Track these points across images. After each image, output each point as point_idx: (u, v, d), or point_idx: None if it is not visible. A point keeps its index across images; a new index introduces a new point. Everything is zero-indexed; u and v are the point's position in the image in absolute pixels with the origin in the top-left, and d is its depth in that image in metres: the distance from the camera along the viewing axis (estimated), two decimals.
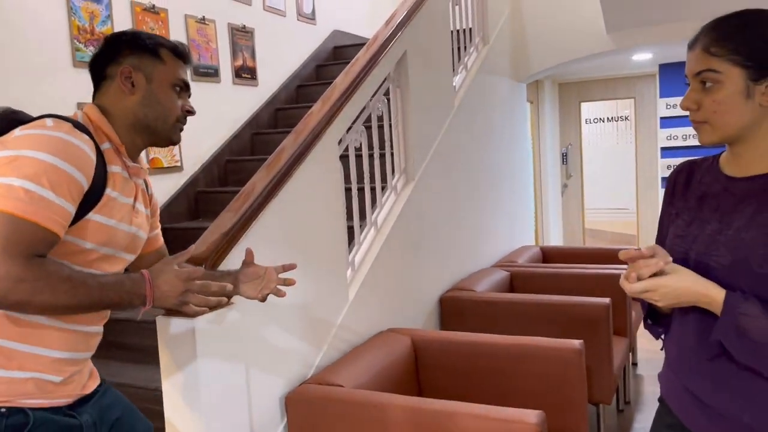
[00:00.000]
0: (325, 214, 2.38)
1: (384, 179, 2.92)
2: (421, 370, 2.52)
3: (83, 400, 1.32)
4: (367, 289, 2.60)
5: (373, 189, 2.80)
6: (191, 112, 1.43)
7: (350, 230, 2.63)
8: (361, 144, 2.67)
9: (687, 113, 1.17)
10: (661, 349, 1.32)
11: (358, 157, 2.70)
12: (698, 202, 1.22)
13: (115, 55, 1.35)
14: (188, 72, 1.46)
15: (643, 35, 4.34)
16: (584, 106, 7.24)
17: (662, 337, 1.31)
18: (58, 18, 2.88)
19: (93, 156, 1.22)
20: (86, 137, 1.22)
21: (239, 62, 3.97)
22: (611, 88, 6.96)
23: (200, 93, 3.60)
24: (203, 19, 3.68)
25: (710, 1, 3.75)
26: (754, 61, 1.08)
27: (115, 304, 1.21)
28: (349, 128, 2.57)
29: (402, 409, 1.86)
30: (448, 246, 3.42)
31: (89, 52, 2.99)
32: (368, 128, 2.76)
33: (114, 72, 1.34)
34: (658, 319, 1.32)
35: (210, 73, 3.72)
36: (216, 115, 3.79)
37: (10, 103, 2.66)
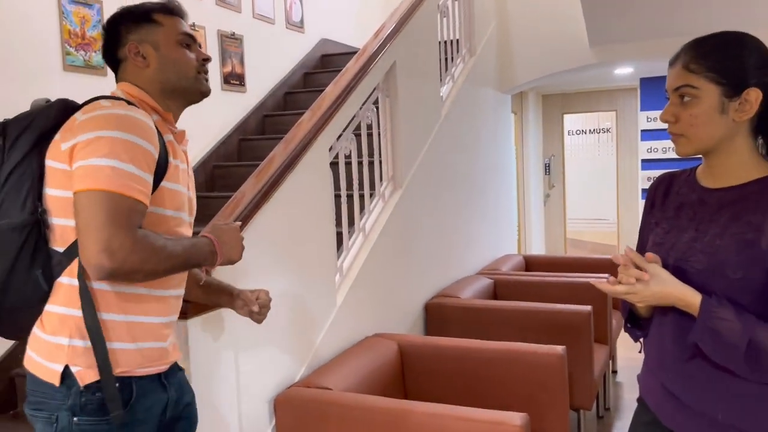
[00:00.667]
0: (314, 220, 2.42)
1: (372, 186, 2.96)
2: (407, 375, 2.56)
3: (171, 372, 1.39)
4: (355, 294, 2.63)
5: (361, 196, 2.84)
6: (207, 59, 1.43)
7: (339, 236, 2.66)
8: (350, 151, 2.71)
9: (666, 126, 1.24)
10: (640, 351, 1.38)
11: (348, 164, 2.75)
12: (676, 211, 1.29)
13: (117, 38, 1.38)
14: (188, 22, 1.47)
15: (624, 50, 4.45)
16: (567, 117, 7.36)
17: (641, 339, 1.37)
18: (50, 22, 2.89)
19: (154, 127, 1.27)
20: (142, 111, 1.28)
21: (228, 68, 4.00)
22: (593, 100, 7.10)
23: None
24: (193, 25, 3.70)
25: (689, 19, 3.88)
26: (728, 80, 1.15)
27: (196, 264, 1.34)
28: (339, 136, 2.62)
29: (389, 412, 1.89)
30: (434, 253, 3.47)
31: (79, 56, 3.01)
32: (357, 136, 2.81)
33: (123, 54, 1.38)
34: (637, 322, 1.37)
35: None
36: (204, 120, 3.81)
37: None
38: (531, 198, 6.62)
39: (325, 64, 4.92)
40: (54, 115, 1.27)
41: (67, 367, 1.23)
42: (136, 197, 1.19)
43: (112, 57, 1.40)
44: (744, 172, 1.20)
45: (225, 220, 1.97)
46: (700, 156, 1.25)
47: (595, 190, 7.98)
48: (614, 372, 4.20)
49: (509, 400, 2.37)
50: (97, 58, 3.10)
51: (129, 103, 1.29)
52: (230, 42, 4.02)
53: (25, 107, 2.51)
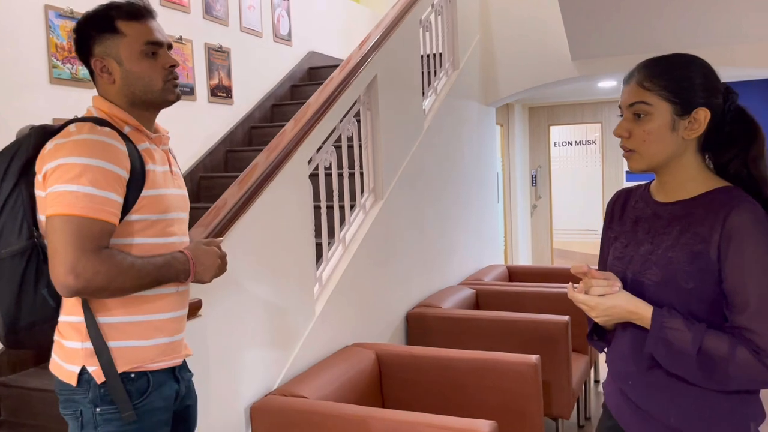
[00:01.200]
0: (293, 230, 2.47)
1: (353, 198, 3.01)
2: (384, 383, 2.60)
3: (183, 368, 1.50)
4: (334, 304, 2.68)
5: (342, 207, 2.89)
6: (174, 66, 1.43)
7: (319, 247, 2.71)
8: (330, 164, 2.77)
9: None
10: (606, 362, 1.43)
11: (328, 175, 2.80)
12: (633, 225, 1.35)
13: (86, 48, 1.41)
14: (155, 23, 1.44)
15: (606, 64, 4.53)
16: (553, 129, 7.45)
17: (605, 350, 1.43)
18: (37, 35, 2.94)
19: (120, 144, 1.33)
20: (108, 130, 1.33)
21: (215, 81, 4.05)
22: (579, 112, 7.19)
23: (175, 110, 3.67)
24: (180, 38, 3.76)
25: (665, 35, 3.97)
26: (680, 99, 1.21)
27: (167, 280, 1.40)
28: (319, 148, 2.67)
29: (363, 420, 1.93)
30: (416, 264, 3.52)
31: (66, 69, 3.06)
32: (338, 148, 2.86)
33: (92, 66, 1.42)
34: (602, 335, 1.44)
35: (185, 92, 3.80)
36: (191, 132, 3.86)
37: None
38: (518, 209, 6.69)
39: (312, 76, 4.99)
40: (34, 144, 1.35)
41: (83, 368, 1.35)
42: (102, 218, 1.28)
43: (86, 63, 1.44)
44: (693, 186, 1.26)
45: (206, 229, 2.02)
46: (651, 172, 1.30)
47: (581, 201, 8.06)
48: (596, 382, 4.24)
49: (485, 408, 2.41)
50: (83, 71, 3.14)
51: (99, 121, 1.35)
52: (217, 55, 4.07)
53: (12, 119, 2.59)
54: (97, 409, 1.35)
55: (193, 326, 1.91)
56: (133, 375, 1.37)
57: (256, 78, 4.47)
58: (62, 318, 1.39)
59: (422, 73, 3.70)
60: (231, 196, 2.18)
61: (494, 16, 4.84)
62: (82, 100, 3.12)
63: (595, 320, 1.27)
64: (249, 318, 2.20)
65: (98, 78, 1.42)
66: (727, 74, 5.15)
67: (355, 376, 2.41)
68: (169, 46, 1.45)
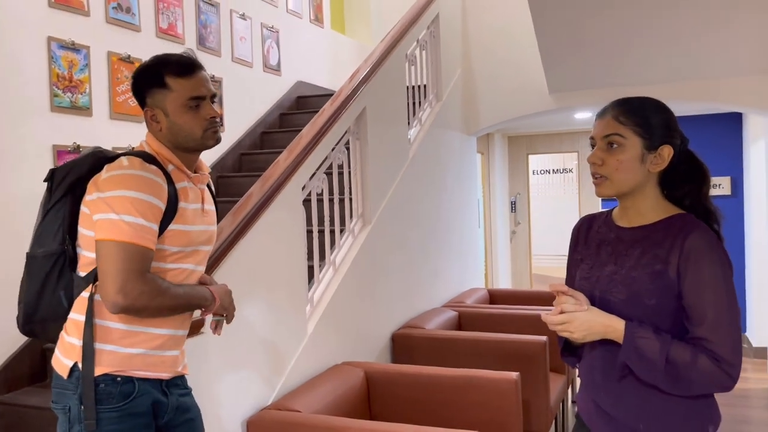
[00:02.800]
0: (287, 253, 2.60)
1: (343, 222, 3.16)
2: (372, 400, 2.72)
3: (175, 385, 1.61)
4: (325, 324, 2.80)
5: (332, 231, 3.03)
6: (214, 118, 1.57)
7: (310, 269, 2.84)
8: (322, 190, 2.91)
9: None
10: (579, 375, 1.58)
11: (320, 200, 2.94)
12: (597, 248, 1.50)
13: (142, 97, 1.59)
14: (201, 76, 1.57)
15: (581, 97, 4.77)
16: (532, 158, 7.69)
17: (577, 365, 1.57)
18: (39, 65, 3.07)
19: (163, 182, 1.50)
20: (154, 168, 1.50)
21: None
22: (556, 142, 7.45)
23: None
24: (212, 77, 3.89)
25: (637, 71, 4.21)
26: (649, 135, 1.38)
27: (197, 304, 1.59)
28: (312, 175, 2.82)
29: (354, 431, 2.05)
30: (401, 286, 3.66)
31: (66, 97, 3.18)
32: (329, 175, 3.01)
33: (145, 114, 1.59)
34: (573, 351, 1.58)
35: None
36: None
37: None
38: (498, 234, 6.87)
39: (301, 105, 5.15)
40: (87, 165, 1.53)
41: (76, 364, 1.48)
42: (146, 245, 1.45)
43: (140, 107, 1.61)
44: (652, 213, 1.42)
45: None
46: (616, 198, 1.47)
47: (559, 227, 8.29)
48: (574, 402, 4.38)
49: (468, 423, 2.53)
50: (83, 99, 3.27)
51: (147, 158, 1.52)
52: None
53: (15, 145, 2.74)
54: (82, 407, 1.47)
55: (195, 343, 2.02)
56: (119, 378, 1.48)
57: (247, 106, 4.62)
58: (70, 315, 1.53)
59: (408, 104, 3.89)
60: (227, 224, 2.31)
61: (475, 51, 5.08)
62: (80, 127, 3.24)
63: (572, 338, 1.38)
64: (246, 336, 2.32)
65: (149, 124, 1.59)
66: (694, 108, 5.42)
67: (345, 392, 2.52)
68: (213, 97, 1.60)
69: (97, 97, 3.36)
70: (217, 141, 1.61)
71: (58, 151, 3.08)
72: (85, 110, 3.27)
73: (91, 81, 3.32)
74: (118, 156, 1.53)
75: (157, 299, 1.45)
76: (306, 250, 2.73)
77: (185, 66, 1.56)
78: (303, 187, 2.74)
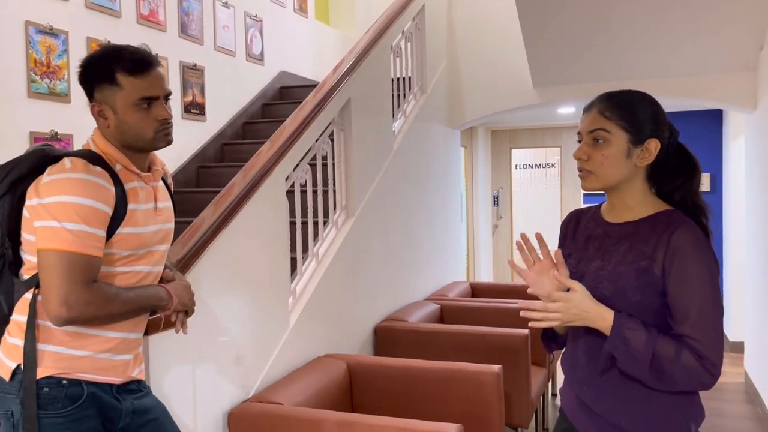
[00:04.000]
0: (270, 245, 2.57)
1: (326, 214, 3.13)
2: (355, 392, 2.71)
3: (129, 390, 1.54)
4: (307, 316, 2.78)
5: (315, 223, 3.01)
6: (166, 119, 1.50)
7: (293, 261, 2.82)
8: (306, 181, 2.89)
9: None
10: (551, 362, 1.58)
11: (303, 192, 2.92)
12: (584, 243, 1.50)
13: (89, 90, 1.51)
14: (155, 74, 1.49)
15: (565, 91, 4.79)
16: (515, 152, 7.72)
17: (553, 353, 1.58)
18: (16, 50, 2.99)
19: (109, 185, 1.43)
20: (99, 170, 1.43)
21: (189, 98, 4.14)
22: (539, 137, 7.48)
23: None
24: (195, 65, 3.84)
25: (622, 66, 4.23)
26: (635, 129, 1.37)
27: (149, 307, 1.53)
28: (296, 166, 2.79)
29: (336, 424, 2.04)
30: (384, 279, 3.65)
31: (44, 83, 3.11)
32: (313, 166, 2.99)
33: (91, 109, 1.52)
34: (554, 336, 1.58)
35: None
36: (163, 152, 3.92)
37: None
38: (480, 228, 6.89)
39: (284, 95, 5.11)
40: (28, 165, 1.46)
41: (19, 366, 1.42)
42: (90, 253, 1.39)
43: (88, 98, 1.53)
44: (639, 209, 1.42)
45: (184, 247, 2.10)
46: (603, 193, 1.46)
47: (541, 221, 8.35)
48: (554, 395, 4.42)
49: (450, 416, 2.53)
50: (61, 86, 3.20)
51: (93, 158, 1.45)
52: (191, 73, 4.16)
53: None
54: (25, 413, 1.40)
55: (173, 334, 1.99)
56: (65, 381, 1.42)
57: (229, 96, 4.57)
58: (13, 317, 1.47)
59: (392, 96, 3.87)
60: (208, 215, 2.27)
61: (461, 44, 5.07)
62: (58, 114, 3.17)
63: (557, 322, 1.34)
64: (227, 327, 2.29)
65: (96, 119, 1.52)
66: (674, 104, 5.48)
67: (327, 384, 2.51)
68: (167, 96, 1.52)
69: (76, 83, 3.26)
70: (168, 143, 1.54)
71: (36, 138, 3.01)
72: (63, 97, 3.21)
73: (69, 67, 3.25)
74: (62, 156, 1.46)
75: (105, 308, 1.40)
76: (289, 242, 2.70)
77: (139, 63, 1.47)
78: (286, 178, 2.71)
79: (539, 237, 1.48)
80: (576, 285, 1.34)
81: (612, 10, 3.51)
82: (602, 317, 1.32)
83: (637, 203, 1.42)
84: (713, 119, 6.15)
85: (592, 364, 1.41)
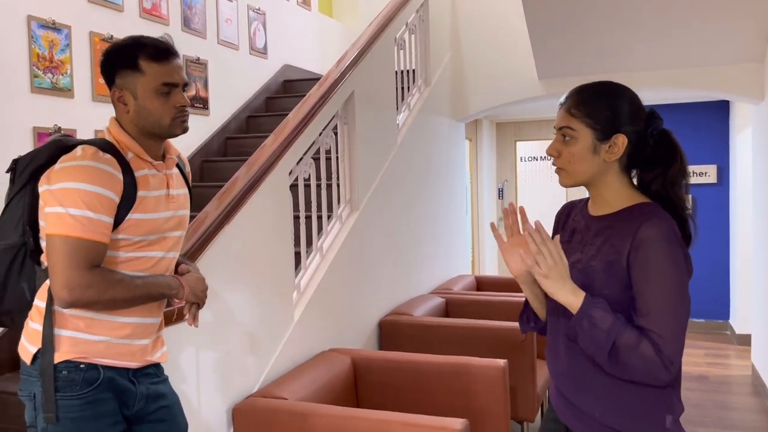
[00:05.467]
0: (274, 239, 2.56)
1: (330, 208, 3.12)
2: (359, 387, 2.70)
3: (146, 374, 1.57)
4: (312, 311, 2.77)
5: (319, 217, 3.00)
6: (184, 107, 1.54)
7: (297, 255, 2.81)
8: (309, 175, 2.87)
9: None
10: (523, 341, 1.57)
11: (307, 186, 2.90)
12: (570, 236, 1.49)
13: (111, 76, 1.54)
14: (176, 63, 1.53)
15: (571, 83, 4.70)
16: (520, 145, 7.68)
17: (526, 334, 1.57)
18: (19, 45, 2.98)
19: (116, 172, 1.46)
20: (108, 157, 1.46)
21: (192, 92, 4.12)
22: (545, 129, 7.43)
23: None
24: (197, 59, 3.82)
25: (626, 56, 4.19)
26: (601, 126, 1.35)
27: (161, 293, 1.54)
28: (300, 160, 2.78)
29: (341, 419, 2.04)
30: (389, 273, 3.64)
31: (47, 78, 3.10)
32: (317, 160, 2.97)
33: (112, 94, 1.55)
34: (529, 317, 1.58)
35: None
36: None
37: None
38: (485, 221, 6.87)
39: (287, 89, 5.09)
40: (46, 155, 1.49)
41: (39, 350, 1.46)
42: (94, 238, 1.41)
43: (108, 86, 1.56)
44: (616, 201, 1.40)
45: (188, 241, 2.10)
46: (578, 187, 1.45)
47: (546, 214, 8.30)
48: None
49: (455, 410, 2.53)
50: (64, 80, 3.19)
51: (105, 146, 1.48)
52: (195, 66, 4.15)
53: None
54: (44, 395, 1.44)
55: (178, 330, 1.99)
56: (82, 365, 1.46)
57: (232, 90, 4.55)
58: (35, 302, 1.52)
59: (396, 88, 3.84)
60: (212, 209, 2.27)
61: (465, 36, 5.03)
62: (61, 109, 3.16)
63: (536, 271, 1.31)
64: (231, 323, 2.29)
65: (115, 105, 1.55)
66: (680, 96, 5.45)
67: (332, 379, 2.51)
68: (185, 86, 1.56)
69: (79, 78, 3.28)
70: (185, 130, 1.57)
71: (39, 134, 3.01)
72: (66, 92, 3.20)
73: (72, 62, 3.24)
74: (77, 145, 1.49)
75: (107, 292, 1.42)
76: (293, 236, 2.69)
77: (161, 51, 1.52)
78: (290, 172, 2.70)
79: (522, 211, 1.47)
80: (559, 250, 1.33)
81: (618, 2, 3.47)
82: (575, 293, 1.31)
83: (614, 197, 1.40)
84: (719, 110, 6.10)
85: (569, 357, 1.41)
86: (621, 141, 1.36)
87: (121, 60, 1.52)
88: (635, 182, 1.44)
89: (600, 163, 1.37)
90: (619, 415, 1.35)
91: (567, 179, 1.40)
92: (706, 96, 5.36)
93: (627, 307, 1.33)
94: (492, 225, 1.54)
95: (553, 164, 1.42)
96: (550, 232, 1.46)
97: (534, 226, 1.36)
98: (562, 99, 1.43)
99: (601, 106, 1.36)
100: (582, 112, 1.36)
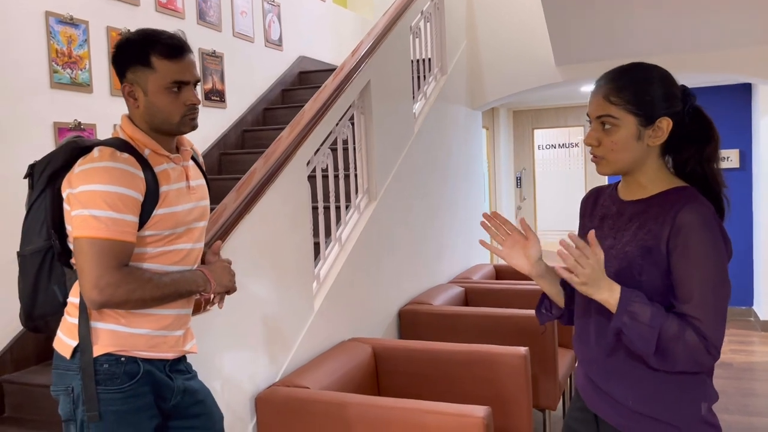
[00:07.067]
0: (293, 230, 2.57)
1: (348, 198, 3.12)
2: (380, 375, 2.71)
3: (179, 371, 1.59)
4: (331, 301, 2.78)
5: (338, 207, 3.00)
6: (194, 104, 1.53)
7: (316, 246, 2.81)
8: (327, 165, 2.87)
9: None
10: (542, 333, 1.56)
11: (325, 177, 2.90)
12: (600, 222, 1.47)
13: (122, 70, 1.53)
14: (188, 60, 1.52)
15: (588, 69, 4.69)
16: (537, 132, 7.61)
17: (545, 325, 1.55)
18: (38, 41, 3.01)
19: (137, 170, 1.46)
20: (126, 156, 1.46)
21: (209, 85, 4.14)
22: (562, 116, 7.36)
23: None
24: (213, 53, 3.83)
25: (645, 41, 4.13)
26: (644, 111, 1.31)
27: (189, 290, 1.54)
28: (317, 150, 2.78)
29: (363, 407, 2.04)
30: (408, 262, 3.64)
31: (66, 74, 3.13)
32: (334, 150, 2.97)
33: (122, 89, 1.54)
34: (550, 309, 1.57)
35: None
36: (187, 136, 3.93)
37: None
38: (503, 210, 6.83)
39: (303, 80, 5.09)
40: (63, 157, 1.50)
41: (79, 344, 1.46)
42: (121, 238, 1.42)
43: (119, 79, 1.55)
44: (652, 186, 1.37)
45: (208, 234, 2.11)
46: (619, 175, 1.41)
47: (564, 202, 8.24)
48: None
49: (477, 398, 2.52)
50: (83, 76, 3.22)
51: (121, 145, 1.48)
52: (211, 60, 4.16)
53: (15, 123, 2.71)
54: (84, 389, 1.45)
55: (202, 320, 2.00)
56: (123, 358, 1.47)
57: (248, 82, 4.56)
58: (69, 299, 1.52)
59: (412, 77, 3.82)
60: (230, 201, 2.27)
61: (480, 23, 4.99)
62: (80, 104, 3.19)
63: (582, 279, 1.26)
64: (253, 314, 2.30)
65: (126, 99, 1.54)
66: (702, 80, 5.36)
67: (353, 368, 2.51)
68: (196, 83, 1.55)
69: (97, 73, 3.31)
70: (193, 128, 1.56)
71: (59, 129, 3.04)
72: (85, 87, 3.23)
73: (90, 57, 3.27)
74: (93, 146, 1.48)
75: (137, 292, 1.42)
76: (311, 227, 2.70)
77: (174, 48, 1.50)
78: (308, 163, 2.70)
79: (495, 215, 1.47)
80: (599, 251, 1.27)
81: None
82: (610, 289, 1.27)
83: (650, 181, 1.37)
84: (742, 94, 5.99)
85: (600, 343, 1.39)
86: (666, 124, 1.32)
87: (133, 55, 1.50)
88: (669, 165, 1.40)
89: (643, 149, 1.34)
90: (654, 403, 1.33)
91: (607, 168, 1.36)
92: (727, 79, 5.26)
93: (665, 292, 1.30)
94: (482, 242, 1.56)
95: (592, 153, 1.37)
96: (571, 221, 1.44)
97: (519, 224, 1.40)
98: (595, 84, 1.37)
99: (642, 91, 1.31)
100: (622, 99, 1.31)
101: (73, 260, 1.50)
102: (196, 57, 3.94)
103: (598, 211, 1.49)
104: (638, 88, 1.32)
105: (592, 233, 1.26)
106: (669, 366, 1.28)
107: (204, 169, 1.75)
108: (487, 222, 1.48)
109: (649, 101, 1.31)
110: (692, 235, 1.26)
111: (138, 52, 1.50)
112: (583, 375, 1.47)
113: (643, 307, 1.26)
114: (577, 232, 1.59)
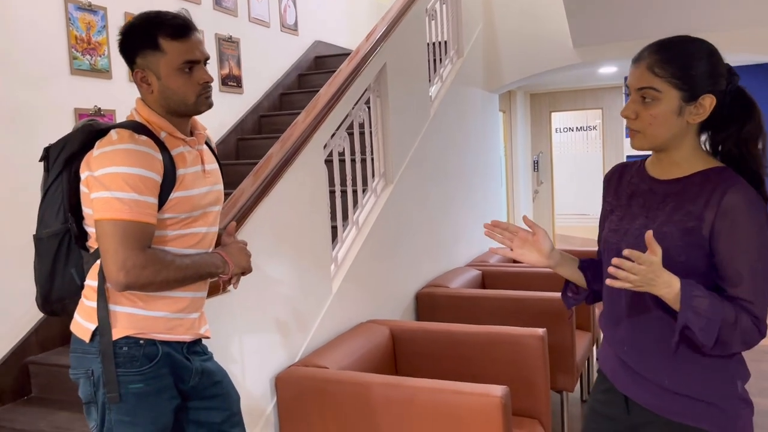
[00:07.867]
0: (310, 214, 2.59)
1: (365, 182, 3.13)
2: (398, 356, 2.73)
3: (195, 352, 1.61)
4: (349, 283, 2.80)
5: (354, 191, 3.01)
6: (207, 82, 1.52)
7: (334, 229, 2.83)
8: (344, 149, 2.88)
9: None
10: (570, 318, 1.55)
11: (341, 161, 2.91)
12: (628, 199, 1.42)
13: (131, 57, 1.53)
14: (195, 39, 1.50)
15: (607, 50, 4.63)
16: (554, 115, 7.55)
17: (572, 309, 1.55)
18: (57, 28, 3.04)
19: (155, 152, 1.46)
20: (144, 138, 1.46)
21: (225, 71, 4.16)
22: (580, 99, 7.29)
23: None
24: (230, 38, 3.85)
25: (667, 21, 4.06)
26: (689, 86, 1.27)
27: (209, 272, 1.55)
28: (333, 134, 2.78)
29: (382, 386, 2.06)
30: (424, 246, 3.65)
31: (86, 60, 3.16)
32: (350, 134, 2.98)
33: (134, 75, 1.54)
34: (575, 290, 1.58)
35: None
36: (203, 121, 3.96)
37: (11, 110, 2.84)
38: (520, 194, 6.80)
39: (319, 65, 5.09)
40: (79, 140, 1.50)
41: (98, 327, 1.47)
42: (144, 220, 1.42)
43: (129, 66, 1.55)
44: (688, 165, 1.33)
45: (225, 218, 2.13)
46: (652, 151, 1.38)
47: (583, 186, 8.17)
48: (598, 359, 4.37)
49: (494, 380, 2.53)
50: (102, 62, 3.25)
51: (138, 128, 1.48)
52: (227, 45, 4.18)
53: (35, 109, 2.75)
54: (104, 372, 1.46)
55: (222, 302, 2.03)
56: (142, 341, 1.48)
57: (265, 67, 4.57)
58: (87, 282, 1.52)
59: (428, 60, 3.81)
60: (247, 186, 2.29)
61: (496, 5, 4.94)
62: (100, 90, 3.23)
63: (634, 285, 1.20)
64: (272, 295, 2.33)
65: (139, 85, 1.54)
66: (728, 59, 5.24)
67: (371, 349, 2.54)
68: (206, 61, 1.54)
69: (116, 59, 3.33)
70: (209, 106, 1.56)
71: (80, 115, 3.08)
72: (104, 73, 3.26)
73: (109, 43, 3.29)
74: (109, 129, 1.49)
75: (162, 273, 1.43)
76: (329, 210, 2.71)
77: (180, 28, 1.48)
78: (324, 147, 2.71)
79: (495, 223, 1.49)
80: (658, 249, 1.21)
81: None
82: (668, 284, 1.22)
83: (686, 159, 1.34)
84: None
85: (633, 323, 1.37)
86: (709, 102, 1.28)
87: (141, 40, 1.49)
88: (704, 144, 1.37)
89: (682, 125, 1.30)
90: (690, 382, 1.32)
91: (643, 142, 1.32)
92: (758, 59, 5.14)
93: (707, 272, 1.28)
94: (492, 250, 1.59)
95: (629, 126, 1.34)
96: (588, 205, 1.42)
97: (523, 222, 1.44)
98: (636, 55, 1.33)
99: (688, 65, 1.27)
100: (668, 72, 1.27)
101: (90, 243, 1.52)
102: (212, 42, 4.00)
103: (625, 188, 1.45)
104: (685, 62, 1.27)
105: (649, 233, 1.20)
106: (725, 351, 1.27)
107: (216, 153, 1.75)
108: (490, 231, 1.49)
109: (694, 76, 1.27)
110: (740, 217, 1.24)
111: (145, 36, 1.48)
112: (611, 356, 1.44)
113: (703, 300, 1.23)
114: (599, 215, 1.57)
